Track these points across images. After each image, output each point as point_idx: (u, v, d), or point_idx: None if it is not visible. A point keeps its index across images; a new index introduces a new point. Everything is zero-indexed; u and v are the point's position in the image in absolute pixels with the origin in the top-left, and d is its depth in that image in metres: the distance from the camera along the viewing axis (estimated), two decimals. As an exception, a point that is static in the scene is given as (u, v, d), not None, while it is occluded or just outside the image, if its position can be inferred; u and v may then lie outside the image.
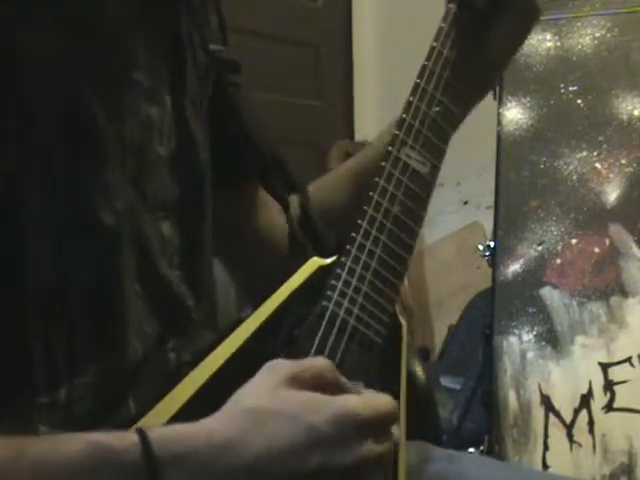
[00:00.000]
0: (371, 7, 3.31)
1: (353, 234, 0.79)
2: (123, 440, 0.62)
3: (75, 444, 0.62)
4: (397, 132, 0.83)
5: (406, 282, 3.02)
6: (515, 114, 1.79)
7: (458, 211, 3.04)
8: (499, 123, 1.79)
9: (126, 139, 0.76)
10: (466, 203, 3.04)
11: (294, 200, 0.91)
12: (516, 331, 1.70)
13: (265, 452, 0.64)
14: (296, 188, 0.88)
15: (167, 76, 0.81)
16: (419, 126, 0.84)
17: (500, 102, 1.80)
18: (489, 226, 1.82)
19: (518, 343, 1.69)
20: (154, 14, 0.80)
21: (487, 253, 1.76)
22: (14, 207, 0.69)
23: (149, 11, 0.79)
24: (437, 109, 0.86)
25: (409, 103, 0.85)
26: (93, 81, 0.73)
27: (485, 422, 1.70)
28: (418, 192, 0.83)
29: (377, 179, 0.81)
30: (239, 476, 0.64)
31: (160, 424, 0.67)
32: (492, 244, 1.76)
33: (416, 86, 0.86)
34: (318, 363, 0.70)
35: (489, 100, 1.82)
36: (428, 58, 0.87)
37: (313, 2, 3.23)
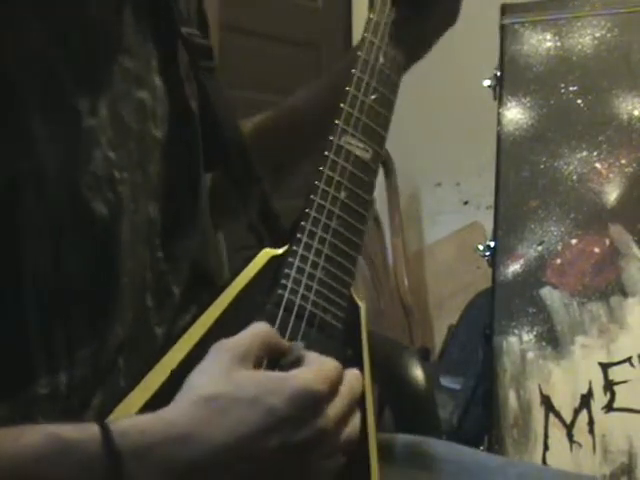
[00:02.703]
0: (371, 7, 3.30)
1: (302, 223, 0.80)
2: (84, 432, 0.62)
3: (34, 435, 0.61)
4: (337, 122, 0.85)
5: (406, 282, 3.01)
6: (515, 114, 1.79)
7: (458, 211, 3.04)
8: (499, 123, 1.79)
9: (123, 126, 0.76)
10: (466, 203, 3.04)
11: (254, 190, 0.91)
12: (516, 331, 1.70)
13: (228, 439, 0.64)
14: (257, 178, 0.88)
15: (156, 57, 0.82)
16: (358, 114, 0.86)
17: (500, 102, 1.80)
18: (489, 226, 1.82)
19: (518, 343, 1.69)
20: None
21: (487, 253, 1.76)
22: (11, 203, 0.69)
23: None
24: (374, 97, 0.88)
25: (346, 93, 0.87)
26: (78, 73, 0.73)
27: (485, 422, 1.70)
28: (363, 177, 0.85)
29: (321, 168, 0.83)
30: (203, 467, 0.63)
31: (130, 415, 0.66)
32: (492, 244, 1.76)
33: (351, 76, 0.88)
34: (258, 331, 0.70)
35: (489, 100, 1.83)
36: (360, 49, 0.90)
37: (313, 2, 3.23)
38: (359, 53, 0.89)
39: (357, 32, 3.32)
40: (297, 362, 0.70)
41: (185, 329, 0.74)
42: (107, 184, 0.74)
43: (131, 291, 0.77)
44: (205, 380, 0.66)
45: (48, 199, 0.70)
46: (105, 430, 0.62)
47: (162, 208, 0.81)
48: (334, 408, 0.68)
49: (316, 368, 0.69)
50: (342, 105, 0.86)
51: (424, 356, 2.76)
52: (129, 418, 0.65)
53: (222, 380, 0.66)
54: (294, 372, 0.68)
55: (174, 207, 0.82)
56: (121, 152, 0.76)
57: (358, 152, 0.85)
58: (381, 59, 0.90)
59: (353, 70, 0.88)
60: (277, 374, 0.68)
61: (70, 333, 0.72)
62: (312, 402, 0.66)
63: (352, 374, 0.72)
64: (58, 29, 0.72)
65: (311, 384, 0.67)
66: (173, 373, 0.70)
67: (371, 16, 0.92)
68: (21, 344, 0.70)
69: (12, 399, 0.69)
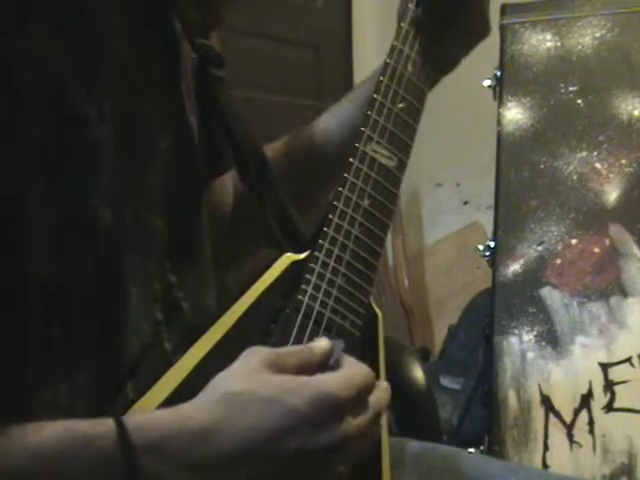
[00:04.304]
0: (371, 7, 3.31)
1: (325, 228, 0.80)
2: (100, 426, 0.63)
3: (52, 430, 0.62)
4: (363, 128, 0.85)
5: (406, 282, 3.01)
6: (515, 114, 1.79)
7: (458, 211, 3.04)
8: (499, 123, 1.79)
9: (128, 136, 0.76)
10: (466, 203, 3.04)
11: (271, 196, 0.91)
12: (516, 331, 1.70)
13: (246, 437, 0.64)
14: (275, 185, 0.88)
15: (161, 71, 0.82)
16: (384, 122, 0.86)
17: (500, 102, 1.80)
18: (489, 226, 1.82)
19: (518, 343, 1.69)
20: (145, 10, 0.81)
21: (487, 253, 1.76)
22: (16, 206, 0.69)
23: (139, 8, 0.80)
24: (401, 105, 0.88)
25: (373, 100, 0.86)
26: (85, 81, 0.73)
27: (485, 422, 1.70)
28: (387, 186, 0.84)
29: (345, 175, 0.83)
30: (219, 462, 0.64)
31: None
32: (492, 244, 1.76)
33: (379, 83, 0.88)
34: (300, 349, 0.70)
35: (489, 100, 1.83)
36: (390, 56, 0.89)
37: (313, 2, 3.23)
38: (387, 60, 0.89)
39: (357, 32, 3.33)
40: (335, 366, 0.70)
41: (204, 332, 0.74)
42: (116, 193, 0.74)
43: (141, 302, 0.76)
44: (228, 378, 0.67)
45: (53, 203, 0.70)
46: (119, 425, 0.62)
47: (167, 220, 0.81)
48: (360, 419, 0.68)
49: (345, 374, 0.69)
50: (369, 112, 0.86)
51: (424, 356, 2.76)
52: (144, 413, 0.66)
53: (244, 379, 0.66)
54: (320, 376, 0.68)
55: (179, 219, 0.82)
56: (127, 162, 0.76)
57: (383, 160, 0.85)
58: (410, 68, 0.89)
59: (380, 77, 0.88)
60: (302, 377, 0.67)
61: (74, 341, 0.71)
62: (334, 407, 0.66)
63: (383, 387, 0.72)
64: (64, 36, 0.72)
65: (335, 389, 0.66)
66: (189, 375, 0.70)
67: (402, 24, 0.91)
68: (21, 348, 0.70)
69: (11, 407, 0.69)
